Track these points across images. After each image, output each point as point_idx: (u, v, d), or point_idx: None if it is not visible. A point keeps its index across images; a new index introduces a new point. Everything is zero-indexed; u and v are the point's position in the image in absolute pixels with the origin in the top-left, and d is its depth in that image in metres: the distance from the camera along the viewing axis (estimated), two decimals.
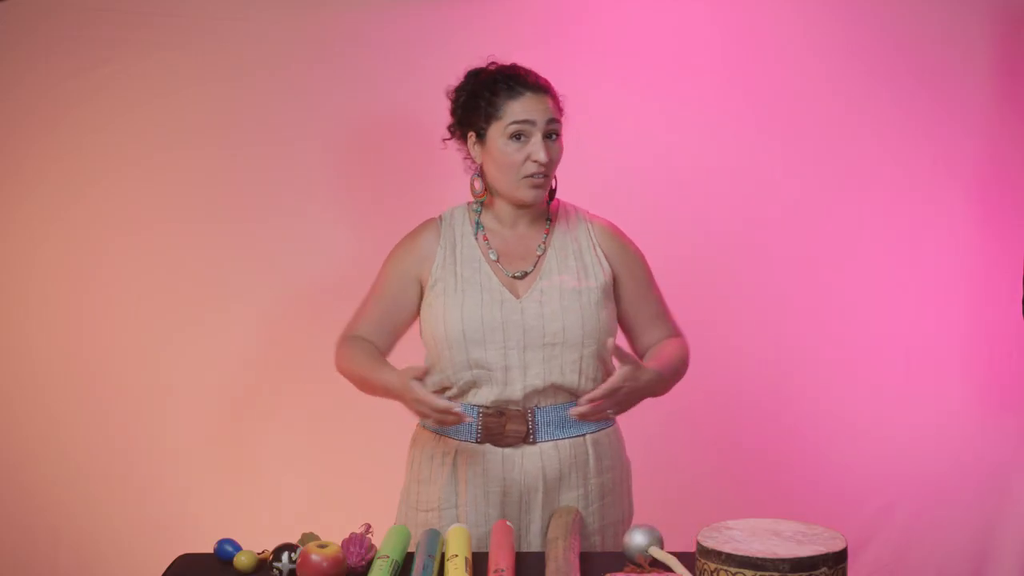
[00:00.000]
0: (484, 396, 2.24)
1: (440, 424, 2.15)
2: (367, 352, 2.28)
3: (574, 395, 2.25)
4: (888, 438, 3.17)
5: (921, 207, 3.14)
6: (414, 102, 2.93)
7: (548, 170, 2.22)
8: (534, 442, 2.24)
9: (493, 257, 2.28)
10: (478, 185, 2.29)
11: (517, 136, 2.20)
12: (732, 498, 3.10)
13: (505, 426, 2.23)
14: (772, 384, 3.17)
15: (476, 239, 2.30)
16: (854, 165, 3.13)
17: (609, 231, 2.35)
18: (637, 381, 2.13)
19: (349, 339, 2.34)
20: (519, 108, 2.20)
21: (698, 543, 1.77)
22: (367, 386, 2.26)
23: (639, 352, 2.35)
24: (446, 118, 2.31)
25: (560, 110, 2.26)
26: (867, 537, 3.18)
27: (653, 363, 2.23)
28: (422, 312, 2.30)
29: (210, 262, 3.09)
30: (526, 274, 2.27)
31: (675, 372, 2.30)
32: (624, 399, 2.14)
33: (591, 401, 2.10)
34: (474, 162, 2.29)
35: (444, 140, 2.33)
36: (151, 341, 3.10)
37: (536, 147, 2.20)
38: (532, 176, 2.21)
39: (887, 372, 3.16)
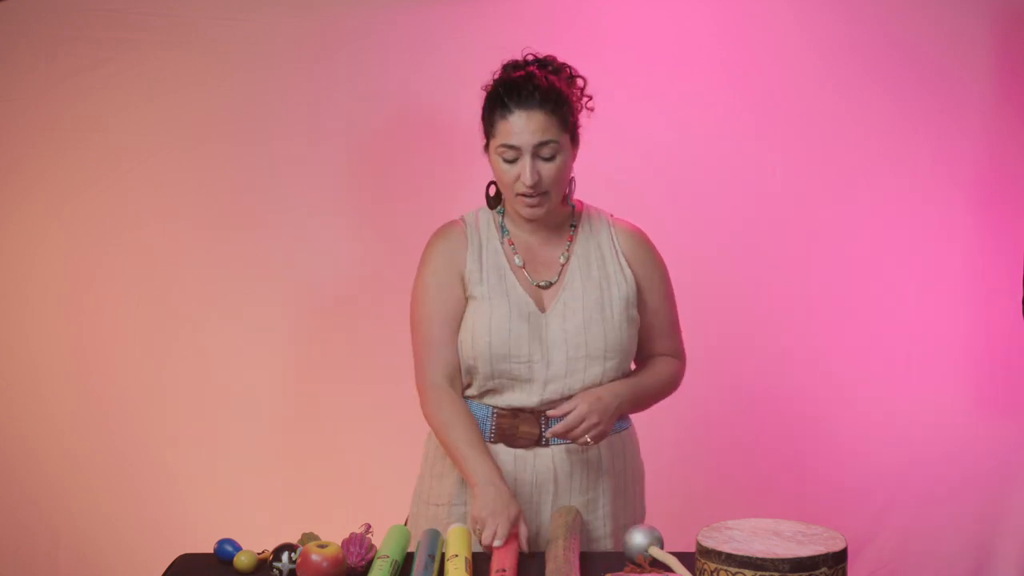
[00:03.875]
0: (503, 401, 2.23)
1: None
2: (464, 426, 2.19)
3: None
4: (888, 438, 3.17)
5: (921, 207, 3.14)
6: (419, 103, 2.92)
7: (539, 190, 2.15)
8: (547, 444, 2.24)
9: (519, 263, 2.24)
10: (492, 191, 2.25)
11: (507, 157, 2.15)
12: (732, 498, 3.10)
13: (518, 428, 2.23)
14: (772, 385, 3.16)
15: (502, 243, 2.26)
16: (854, 165, 3.13)
17: (634, 237, 2.29)
18: (601, 402, 2.15)
19: (438, 391, 2.22)
20: (506, 130, 2.13)
21: (698, 543, 1.77)
22: (455, 461, 2.20)
23: (636, 361, 2.33)
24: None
25: (564, 124, 2.15)
26: (867, 537, 3.17)
27: (632, 376, 2.23)
28: None
29: (210, 262, 3.09)
30: (550, 284, 2.24)
31: (658, 391, 2.30)
32: (597, 423, 2.14)
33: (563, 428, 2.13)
34: None
35: None
36: (151, 341, 3.10)
37: (524, 169, 2.13)
38: (524, 196, 2.16)
39: (887, 372, 3.16)
